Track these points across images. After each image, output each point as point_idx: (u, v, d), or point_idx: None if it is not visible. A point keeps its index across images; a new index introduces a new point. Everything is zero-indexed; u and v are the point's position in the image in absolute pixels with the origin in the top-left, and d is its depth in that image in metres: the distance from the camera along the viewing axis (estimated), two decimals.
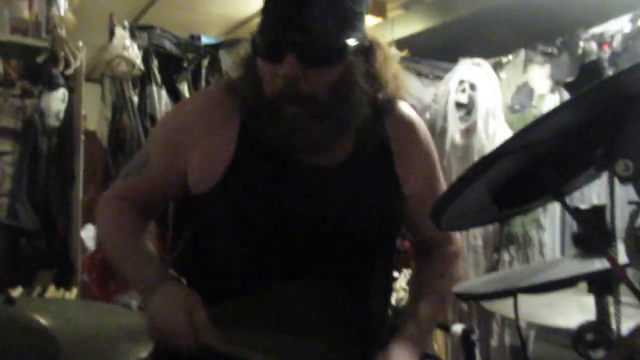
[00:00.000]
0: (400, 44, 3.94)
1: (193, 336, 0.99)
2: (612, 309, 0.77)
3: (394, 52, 1.27)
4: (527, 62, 3.35)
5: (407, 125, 1.26)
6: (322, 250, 1.11)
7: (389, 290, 1.32)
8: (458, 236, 1.33)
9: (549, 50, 3.23)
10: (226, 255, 1.15)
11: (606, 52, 2.93)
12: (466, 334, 1.90)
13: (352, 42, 1.08)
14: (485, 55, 3.38)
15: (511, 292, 0.83)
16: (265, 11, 1.09)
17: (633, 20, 2.89)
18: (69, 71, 2.71)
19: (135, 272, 1.15)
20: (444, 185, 1.29)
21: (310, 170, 1.13)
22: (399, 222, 1.25)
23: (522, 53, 3.37)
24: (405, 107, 1.28)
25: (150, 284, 1.08)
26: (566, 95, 0.78)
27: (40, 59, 2.68)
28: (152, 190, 1.21)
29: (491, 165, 0.71)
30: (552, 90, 3.22)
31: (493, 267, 3.21)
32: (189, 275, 1.24)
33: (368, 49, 1.14)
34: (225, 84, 1.22)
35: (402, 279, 2.72)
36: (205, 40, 3.36)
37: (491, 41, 3.51)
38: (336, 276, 1.11)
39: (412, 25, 4.26)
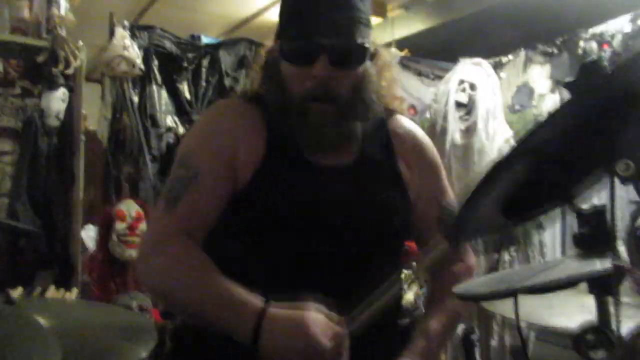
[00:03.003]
0: (401, 43, 3.96)
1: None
2: (612, 309, 0.77)
3: (391, 57, 1.34)
4: (527, 62, 3.35)
5: (410, 136, 1.31)
6: (339, 245, 1.16)
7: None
8: (471, 252, 1.33)
9: (549, 50, 3.23)
10: (250, 252, 1.18)
11: (606, 52, 2.93)
12: (466, 334, 1.90)
13: (368, 45, 1.17)
14: (485, 55, 3.38)
15: (511, 293, 0.83)
16: (290, 16, 1.17)
17: (633, 20, 2.89)
18: (69, 71, 2.71)
19: (239, 309, 1.02)
20: (451, 196, 1.32)
21: (325, 169, 1.21)
22: (405, 222, 1.27)
23: (522, 53, 3.37)
24: (405, 119, 1.34)
25: (255, 313, 1.00)
26: (566, 95, 0.78)
27: (40, 58, 2.68)
28: (210, 201, 1.15)
29: (500, 177, 0.71)
30: (552, 90, 3.22)
31: (493, 267, 3.21)
32: None
33: (374, 54, 1.23)
34: (247, 95, 1.29)
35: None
36: (205, 40, 3.37)
37: (491, 41, 3.50)
38: (353, 271, 1.16)
39: (412, 25, 4.26)
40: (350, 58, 1.15)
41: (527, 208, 0.83)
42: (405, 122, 1.34)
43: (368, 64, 1.20)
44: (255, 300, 1.03)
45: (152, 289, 1.24)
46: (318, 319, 1.00)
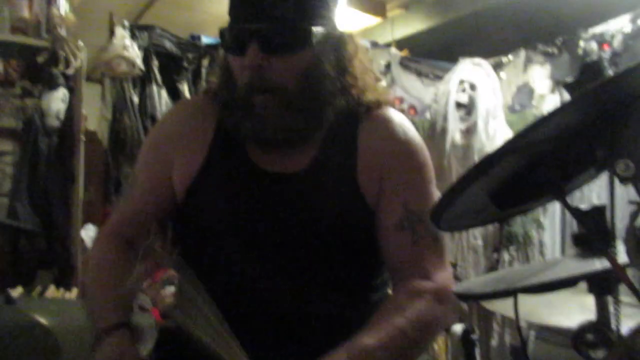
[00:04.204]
0: (400, 43, 3.96)
1: None
2: (612, 309, 0.77)
3: (363, 45, 1.22)
4: (527, 62, 3.35)
5: (385, 136, 1.15)
6: (287, 255, 1.09)
7: (363, 298, 1.16)
8: (446, 277, 1.09)
9: (549, 50, 3.23)
10: (200, 258, 1.13)
11: (607, 52, 2.93)
12: (466, 334, 1.90)
13: (317, 29, 1.05)
14: (485, 55, 3.38)
15: (511, 292, 0.83)
16: (230, 6, 1.09)
17: (633, 20, 2.89)
18: (69, 71, 2.71)
19: (96, 316, 1.07)
20: (430, 199, 1.13)
21: (273, 177, 1.12)
22: (363, 233, 1.12)
23: (522, 53, 3.37)
24: (387, 114, 1.18)
25: (100, 331, 1.03)
26: (566, 95, 0.78)
27: (40, 58, 2.68)
28: (143, 210, 1.17)
29: (491, 166, 0.71)
30: (553, 90, 3.22)
31: (493, 267, 3.21)
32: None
33: (338, 40, 1.12)
34: (204, 92, 1.24)
35: None
36: (205, 40, 3.37)
37: (491, 41, 3.51)
38: (303, 282, 1.08)
39: (412, 25, 4.26)
40: (284, 43, 1.03)
41: (516, 201, 0.82)
42: (384, 120, 1.16)
43: (320, 50, 1.07)
44: (107, 320, 1.04)
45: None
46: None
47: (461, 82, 3.29)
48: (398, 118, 1.18)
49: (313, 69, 1.07)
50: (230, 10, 1.08)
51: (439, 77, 3.55)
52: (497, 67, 3.43)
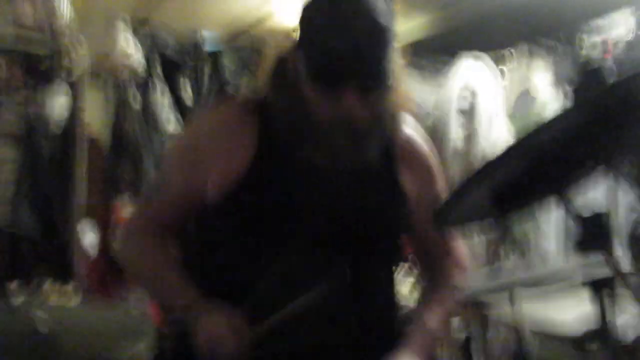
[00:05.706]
0: (401, 42, 3.94)
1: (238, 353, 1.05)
2: (612, 309, 0.77)
3: (403, 57, 1.28)
4: (529, 68, 3.34)
5: (411, 138, 1.31)
6: (333, 247, 1.16)
7: (393, 290, 1.33)
8: (463, 250, 1.34)
9: (551, 55, 3.22)
10: (240, 253, 1.19)
11: (608, 60, 2.93)
12: (466, 335, 1.89)
13: (394, 63, 1.14)
14: (486, 51, 3.37)
15: (511, 292, 0.83)
16: (320, 35, 1.09)
17: (636, 25, 2.88)
18: (71, 75, 2.71)
19: (176, 297, 1.18)
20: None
21: (322, 171, 1.18)
22: (403, 225, 1.27)
23: (524, 59, 3.36)
24: (407, 118, 1.30)
25: (194, 306, 1.13)
26: (569, 101, 0.79)
27: (42, 62, 2.68)
28: (173, 210, 1.24)
29: (494, 170, 0.72)
30: (555, 97, 3.21)
31: (492, 263, 3.21)
32: (196, 279, 1.26)
33: None
34: (242, 101, 1.27)
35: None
36: (208, 40, 3.37)
37: (492, 38, 3.50)
38: (347, 272, 1.16)
39: (412, 22, 4.26)
40: (379, 85, 1.11)
41: (518, 202, 0.83)
42: (408, 131, 1.31)
43: None
44: (188, 297, 1.15)
45: (124, 269, 1.37)
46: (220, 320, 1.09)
47: (462, 88, 3.29)
48: (415, 123, 1.34)
49: (386, 98, 1.15)
50: (321, 40, 1.08)
51: (439, 72, 3.52)
52: (498, 61, 3.42)
